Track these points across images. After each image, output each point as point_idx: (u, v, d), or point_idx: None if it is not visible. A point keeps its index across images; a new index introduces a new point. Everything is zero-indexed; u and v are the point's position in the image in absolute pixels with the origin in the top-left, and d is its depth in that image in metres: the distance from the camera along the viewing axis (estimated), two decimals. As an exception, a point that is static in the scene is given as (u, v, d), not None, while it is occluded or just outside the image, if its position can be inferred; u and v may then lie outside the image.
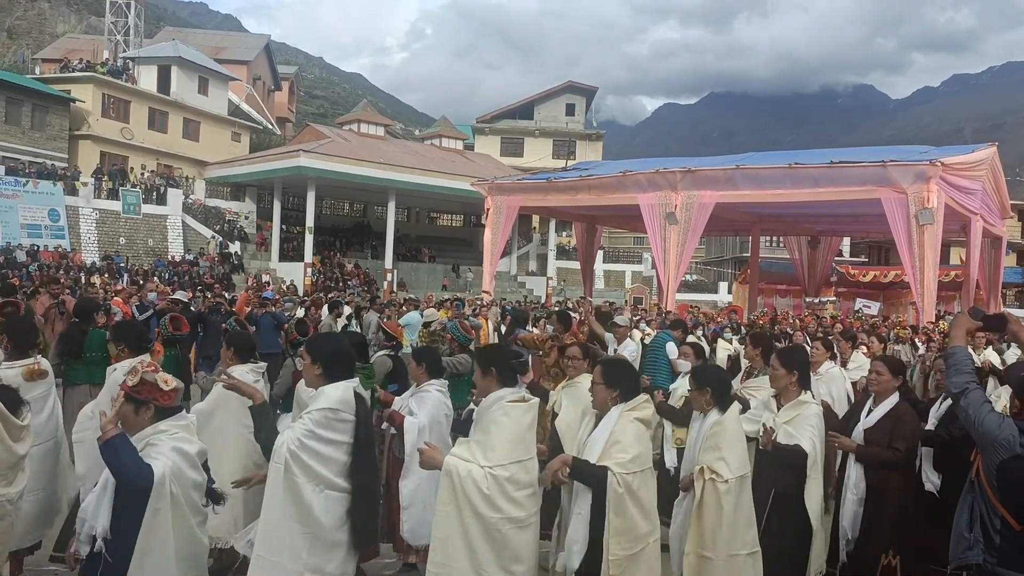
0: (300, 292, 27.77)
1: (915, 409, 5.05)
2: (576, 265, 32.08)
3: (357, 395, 3.60)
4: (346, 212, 42.63)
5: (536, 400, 3.79)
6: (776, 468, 4.46)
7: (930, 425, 4.96)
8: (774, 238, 35.92)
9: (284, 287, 28.53)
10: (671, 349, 8.42)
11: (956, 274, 24.98)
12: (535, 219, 42.25)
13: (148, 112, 36.41)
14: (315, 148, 33.07)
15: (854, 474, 4.66)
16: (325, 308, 14.54)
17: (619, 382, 3.91)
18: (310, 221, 33.27)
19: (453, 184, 34.63)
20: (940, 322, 16.07)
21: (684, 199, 18.94)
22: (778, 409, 4.66)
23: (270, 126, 49.43)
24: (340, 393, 3.53)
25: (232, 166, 36.41)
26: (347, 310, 16.12)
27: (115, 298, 13.24)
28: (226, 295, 18.22)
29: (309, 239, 33.14)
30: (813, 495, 4.41)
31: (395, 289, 32.40)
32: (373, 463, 3.63)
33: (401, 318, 13.15)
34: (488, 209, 23.07)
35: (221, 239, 33.31)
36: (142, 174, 33.95)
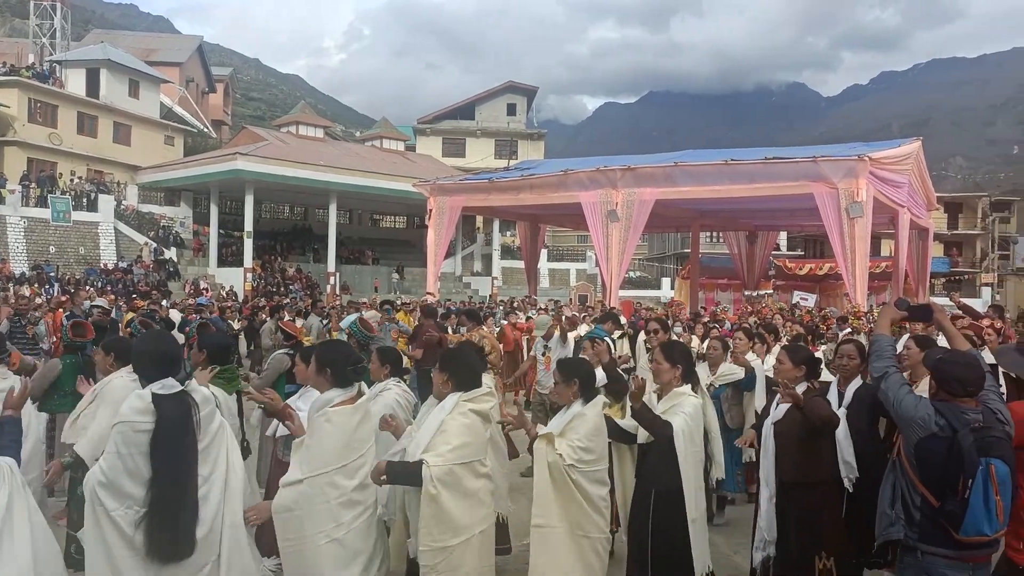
0: (240, 298, 27.30)
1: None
2: (521, 264, 32.19)
3: (164, 398, 3.34)
4: (286, 215, 41.99)
5: (364, 400, 3.76)
6: (656, 467, 4.36)
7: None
8: (714, 234, 36.58)
9: (223, 293, 27.99)
10: None
11: (886, 265, 25.79)
12: (479, 219, 42.25)
13: (77, 116, 35.22)
14: (252, 151, 32.46)
15: (765, 470, 4.52)
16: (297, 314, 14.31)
17: (457, 370, 3.86)
18: (249, 225, 32.66)
19: (395, 185, 34.39)
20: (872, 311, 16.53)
21: (625, 197, 19.17)
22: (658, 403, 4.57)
23: (205, 129, 48.35)
24: (133, 403, 3.32)
25: (166, 170, 35.52)
26: (310, 317, 15.90)
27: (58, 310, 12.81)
28: (164, 303, 17.80)
29: (248, 243, 32.54)
30: (690, 490, 4.33)
31: (338, 292, 32.05)
32: (175, 470, 3.31)
33: (342, 321, 13.03)
34: (431, 210, 22.99)
35: (156, 245, 32.45)
36: (72, 180, 32.86)
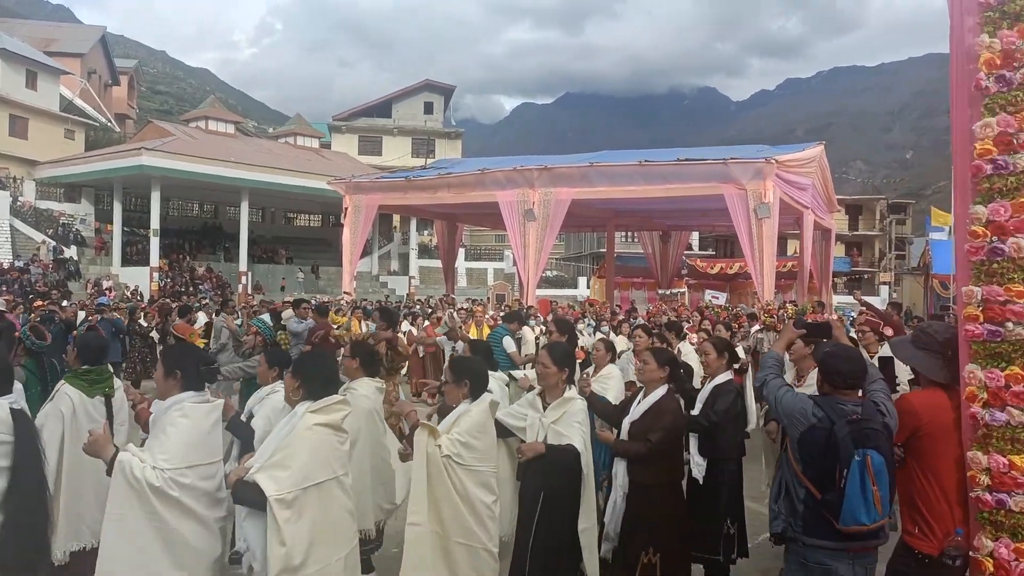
0: (146, 298, 26.27)
1: (688, 397, 5.16)
2: (438, 263, 32.01)
3: (17, 411, 3.28)
4: (195, 213, 40.62)
5: (220, 402, 3.57)
6: (544, 470, 4.23)
7: (697, 410, 5.08)
8: (629, 233, 37.23)
9: (128, 293, 26.87)
10: (508, 343, 8.47)
11: (792, 264, 26.74)
12: (396, 218, 41.86)
13: (-32, 108, 33.26)
14: (159, 146, 31.29)
15: (620, 470, 4.49)
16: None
17: (309, 377, 3.58)
18: (155, 223, 31.45)
19: (310, 183, 33.72)
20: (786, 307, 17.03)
21: (541, 196, 19.28)
22: (544, 407, 4.43)
23: (108, 123, 46.29)
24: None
25: (66, 165, 33.83)
26: (202, 317, 15.34)
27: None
28: (64, 303, 16.95)
29: (155, 242, 31.33)
30: (587, 494, 4.28)
31: (251, 292, 31.21)
32: (32, 484, 3.22)
33: (252, 320, 12.69)
34: (347, 208, 22.62)
35: (55, 244, 30.89)
36: (-38, 175, 31.01)
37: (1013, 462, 3.05)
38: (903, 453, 3.52)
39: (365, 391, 4.85)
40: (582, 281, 42.29)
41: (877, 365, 3.92)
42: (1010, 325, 3.06)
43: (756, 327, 13.17)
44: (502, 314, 14.79)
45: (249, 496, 3.22)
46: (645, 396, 4.58)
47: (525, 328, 13.10)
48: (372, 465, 4.74)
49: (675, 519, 4.42)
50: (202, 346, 7.67)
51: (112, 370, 4.72)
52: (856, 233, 50.99)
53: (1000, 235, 3.08)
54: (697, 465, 4.95)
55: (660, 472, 4.39)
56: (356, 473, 4.62)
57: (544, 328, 12.73)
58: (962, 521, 3.31)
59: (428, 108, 54.82)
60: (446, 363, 9.78)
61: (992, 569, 3.11)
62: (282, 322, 11.13)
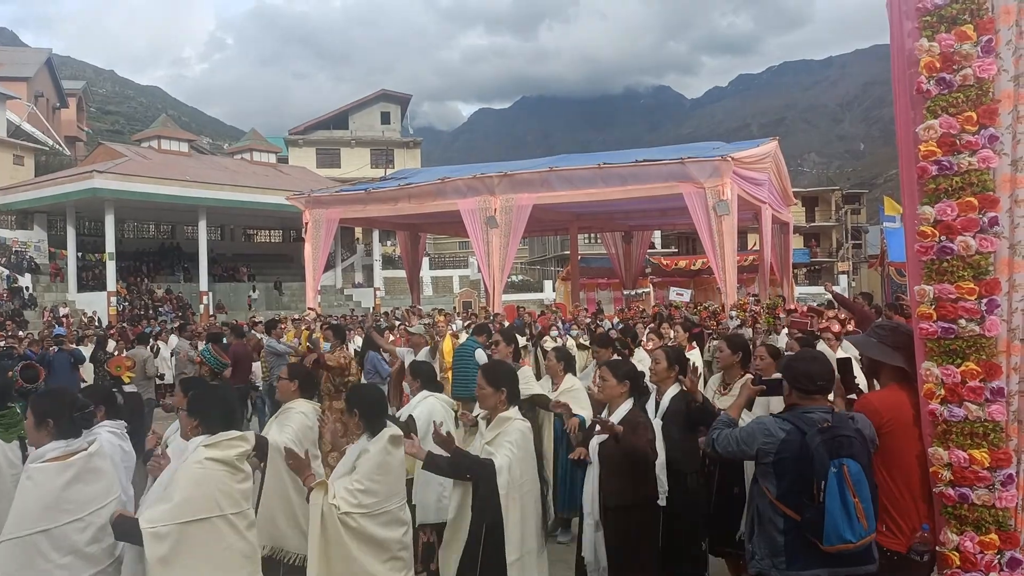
0: (104, 323, 25.76)
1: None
2: (403, 274, 31.83)
3: None
4: (152, 234, 39.94)
5: (79, 456, 3.26)
6: (484, 502, 4.05)
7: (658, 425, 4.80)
8: (591, 235, 37.40)
9: (85, 319, 26.32)
10: (480, 356, 8.33)
11: (753, 258, 27.03)
12: (358, 230, 41.58)
13: (-90, 136, 32.39)
14: (111, 168, 30.75)
15: (589, 495, 4.33)
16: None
17: (202, 411, 3.47)
18: (111, 246, 30.87)
19: (268, 199, 33.39)
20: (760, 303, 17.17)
21: (503, 202, 19.28)
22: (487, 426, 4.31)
23: (58, 146, 45.37)
24: None
25: (16, 192, 33.08)
26: (178, 341, 14.97)
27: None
28: (20, 334, 16.57)
29: (111, 266, 30.74)
30: (512, 527, 4.05)
31: (213, 312, 30.76)
32: None
33: (200, 349, 12.50)
34: (307, 223, 22.40)
35: (8, 272, 30.18)
36: (-95, 205, 30.16)
37: (973, 456, 3.11)
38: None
39: (303, 408, 4.86)
40: (548, 284, 42.38)
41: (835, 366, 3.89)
42: (963, 322, 3.11)
43: (736, 323, 13.28)
44: (467, 323, 14.77)
45: (128, 531, 3.10)
46: (611, 413, 4.39)
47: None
48: (297, 486, 4.59)
49: (656, 541, 4.30)
50: (127, 381, 7.42)
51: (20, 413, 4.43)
52: (813, 225, 51.84)
53: (948, 234, 3.13)
54: (660, 483, 4.67)
55: (637, 492, 4.22)
56: (281, 492, 4.60)
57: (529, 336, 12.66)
58: (927, 517, 3.35)
59: (385, 118, 54.62)
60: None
61: (959, 562, 3.16)
62: (224, 342, 10.94)
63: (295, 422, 4.78)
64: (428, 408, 5.13)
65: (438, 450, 4.12)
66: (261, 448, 4.62)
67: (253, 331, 14.79)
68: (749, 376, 4.25)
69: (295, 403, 4.91)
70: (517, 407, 4.32)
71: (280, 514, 4.62)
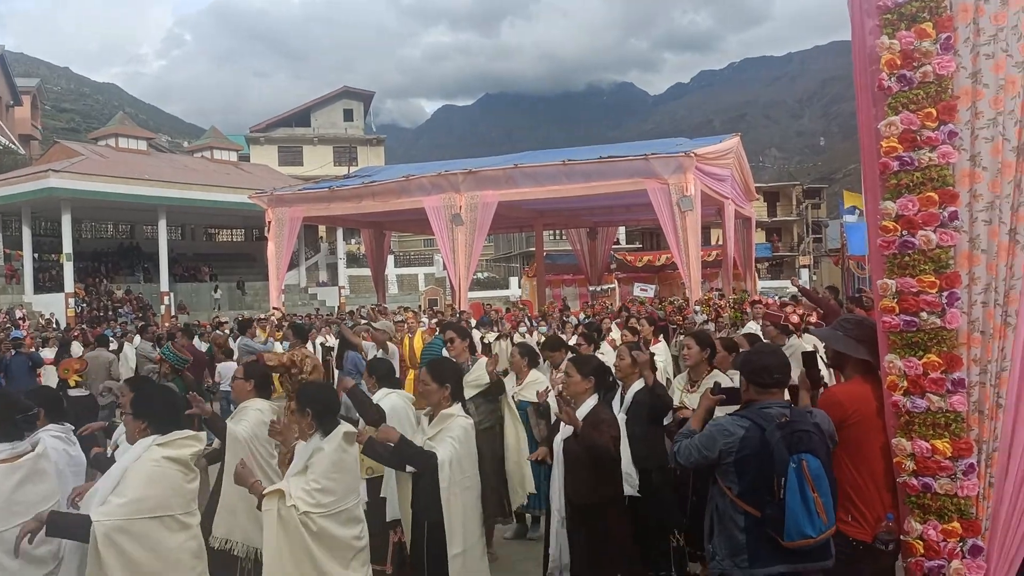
0: (63, 325, 25.21)
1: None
2: (368, 272, 31.64)
3: None
4: (110, 234, 39.16)
5: (27, 458, 3.26)
6: (425, 498, 4.04)
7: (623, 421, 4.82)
8: (556, 231, 37.50)
9: (42, 322, 25.73)
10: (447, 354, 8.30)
11: (716, 253, 27.36)
12: (321, 228, 41.21)
13: None
14: (67, 167, 30.08)
15: (556, 494, 4.31)
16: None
17: (149, 412, 3.42)
18: (68, 247, 30.19)
19: (230, 198, 32.91)
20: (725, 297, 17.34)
21: (468, 200, 19.24)
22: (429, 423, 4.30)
23: (12, 145, 44.27)
24: None
25: (-32, 192, 32.24)
26: (140, 342, 14.67)
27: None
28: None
29: (69, 266, 30.08)
30: (454, 522, 4.04)
31: (174, 313, 30.28)
32: None
33: (161, 348, 12.30)
34: (269, 222, 22.15)
35: (-39, 275, 29.43)
36: None
37: (935, 446, 3.16)
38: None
39: (259, 406, 4.78)
40: (513, 281, 42.42)
41: (801, 360, 3.93)
42: (924, 315, 3.17)
43: (702, 318, 13.40)
44: (435, 321, 14.71)
45: (71, 527, 3.04)
46: (575, 410, 4.35)
47: (474, 332, 13.03)
48: (263, 476, 4.54)
49: (627, 538, 4.28)
50: (73, 384, 7.25)
51: None
52: (775, 219, 52.54)
53: (910, 229, 3.18)
54: (628, 476, 4.71)
55: (603, 489, 4.20)
56: (236, 491, 4.42)
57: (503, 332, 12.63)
58: (891, 506, 3.41)
59: (348, 115, 54.21)
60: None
61: (922, 551, 3.22)
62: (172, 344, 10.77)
63: (251, 418, 4.72)
64: (390, 405, 5.14)
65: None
66: (220, 433, 4.59)
67: (219, 331, 14.61)
68: (710, 386, 4.25)
69: (251, 402, 4.84)
70: (461, 404, 4.32)
71: (240, 506, 4.51)
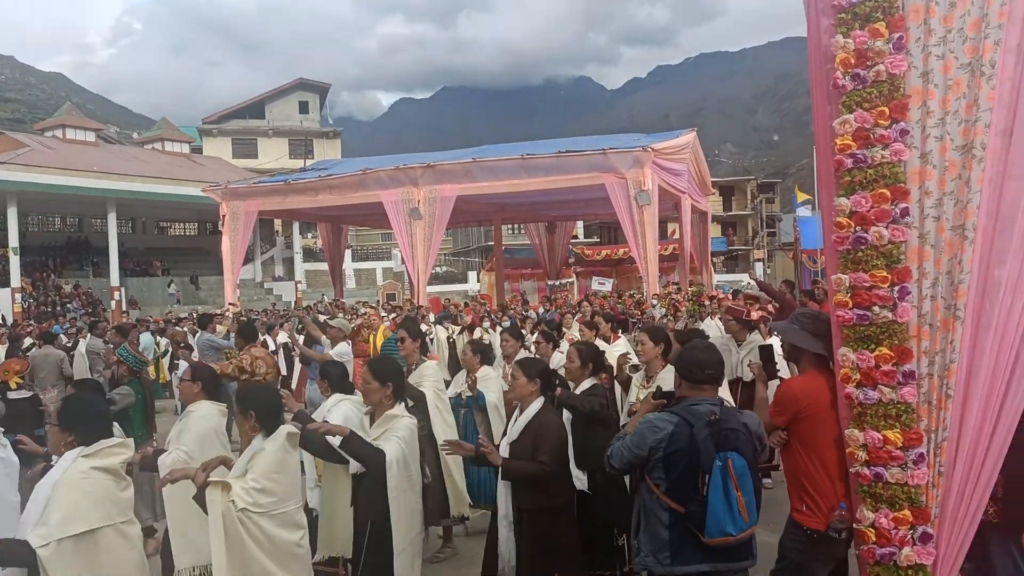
0: (9, 321, 24.52)
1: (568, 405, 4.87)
2: (325, 266, 31.32)
3: None
4: (58, 228, 38.13)
5: None
6: (370, 497, 3.97)
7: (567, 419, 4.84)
8: (515, 226, 37.52)
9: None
10: None
11: (673, 247, 27.64)
12: (277, 222, 40.66)
13: None
14: (12, 159, 29.20)
15: (503, 498, 4.28)
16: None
17: (76, 424, 3.32)
18: (14, 241, 29.32)
19: (182, 191, 32.25)
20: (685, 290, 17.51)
21: (426, 194, 19.15)
22: (371, 424, 4.24)
23: (-48, 135, 42.85)
24: None
25: (-94, 184, 31.12)
26: (91, 339, 14.33)
27: None
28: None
29: (15, 261, 29.21)
30: (399, 519, 3.97)
31: (125, 309, 29.65)
32: None
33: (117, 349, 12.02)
34: (224, 216, 21.77)
35: (-100, 270, 28.41)
36: None
37: (887, 437, 3.24)
38: (787, 436, 3.70)
39: (204, 412, 4.61)
40: (472, 276, 42.35)
41: (757, 353, 4.00)
42: (876, 309, 3.24)
43: (660, 312, 13.51)
44: (393, 316, 14.63)
45: (15, 555, 2.96)
46: (521, 412, 4.32)
47: (438, 328, 12.98)
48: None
49: (574, 542, 4.26)
50: (14, 387, 7.04)
51: None
52: (730, 213, 53.21)
53: (863, 225, 3.25)
54: (578, 479, 4.72)
55: (551, 494, 4.17)
56: (179, 513, 4.27)
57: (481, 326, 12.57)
58: (844, 496, 3.49)
59: (303, 107, 53.49)
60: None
61: (874, 538, 3.30)
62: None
63: (194, 430, 4.50)
64: (342, 415, 4.93)
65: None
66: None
67: (178, 327, 14.37)
68: (651, 389, 4.24)
69: (197, 406, 4.66)
70: (403, 404, 4.24)
71: (191, 523, 4.26)
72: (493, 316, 15.50)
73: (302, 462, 4.71)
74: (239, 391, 4.09)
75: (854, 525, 3.41)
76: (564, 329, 11.30)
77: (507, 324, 13.23)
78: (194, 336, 12.23)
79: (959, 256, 3.15)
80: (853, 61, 3.24)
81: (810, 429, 3.58)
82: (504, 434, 4.51)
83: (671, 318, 12.32)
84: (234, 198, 21.67)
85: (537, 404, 4.28)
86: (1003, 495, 3.41)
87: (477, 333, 11.94)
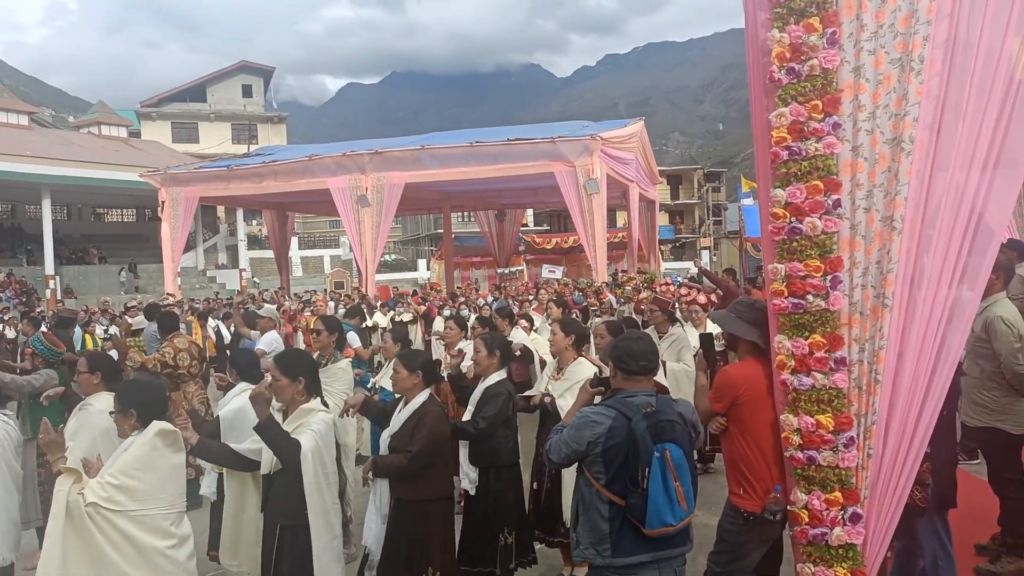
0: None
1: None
2: (271, 254, 30.84)
3: None
4: (-11, 214, 36.88)
5: None
6: (283, 497, 3.78)
7: (469, 414, 4.82)
8: (465, 213, 37.43)
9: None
10: (352, 339, 8.09)
11: (622, 235, 27.91)
12: (220, 209, 39.84)
13: None
14: (-61, 142, 28.08)
15: (381, 487, 4.23)
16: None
17: None
18: (-59, 228, 28.27)
19: (119, 176, 31.37)
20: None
21: (374, 181, 18.99)
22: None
23: None
24: None
25: None
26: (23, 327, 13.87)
27: None
28: None
29: (-57, 249, 28.18)
30: (317, 518, 3.75)
31: (60, 298, 28.78)
32: None
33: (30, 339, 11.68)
34: (163, 202, 21.26)
35: None
36: None
37: (819, 421, 3.34)
38: (726, 421, 3.78)
39: (102, 406, 4.27)
40: (422, 263, 42.14)
41: (698, 341, 4.08)
42: (810, 298, 3.32)
43: (621, 302, 13.58)
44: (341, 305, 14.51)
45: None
46: (405, 405, 4.27)
47: (378, 316, 12.89)
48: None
49: (448, 535, 4.20)
50: None
51: None
52: (677, 202, 53.89)
53: (798, 216, 3.33)
54: (466, 475, 4.67)
55: (427, 487, 4.10)
56: None
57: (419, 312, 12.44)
58: (779, 479, 3.58)
59: (247, 91, 52.41)
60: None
61: (807, 519, 3.40)
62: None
63: (88, 431, 4.28)
64: (240, 406, 4.58)
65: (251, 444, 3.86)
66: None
67: (126, 316, 14.05)
68: (588, 377, 4.07)
69: (95, 398, 4.45)
70: (319, 398, 4.07)
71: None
72: (468, 300, 15.39)
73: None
74: (119, 387, 3.81)
75: (788, 507, 3.51)
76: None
77: (465, 313, 13.14)
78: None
79: (888, 246, 3.24)
80: (788, 55, 3.31)
81: (747, 414, 3.67)
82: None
83: (628, 307, 12.38)
84: (174, 184, 21.18)
85: (422, 397, 4.23)
86: (930, 480, 3.54)
87: (439, 324, 11.83)
